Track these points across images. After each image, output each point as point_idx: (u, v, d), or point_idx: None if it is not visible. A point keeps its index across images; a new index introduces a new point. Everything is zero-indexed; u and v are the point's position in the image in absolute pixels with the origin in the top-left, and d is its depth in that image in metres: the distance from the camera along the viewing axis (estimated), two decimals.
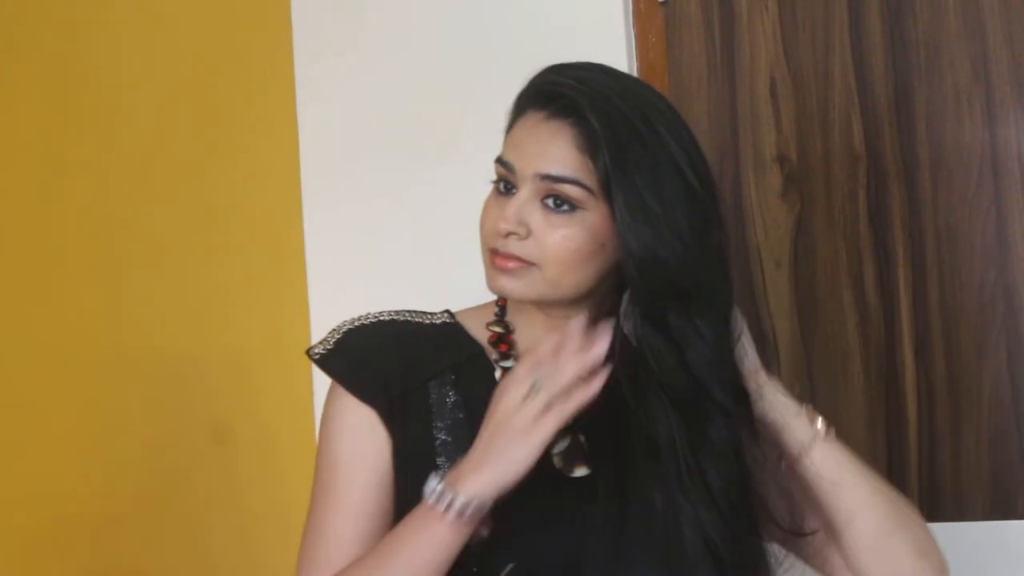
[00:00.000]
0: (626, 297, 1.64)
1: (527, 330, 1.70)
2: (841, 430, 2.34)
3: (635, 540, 1.62)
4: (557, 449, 1.64)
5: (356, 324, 1.70)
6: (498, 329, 1.71)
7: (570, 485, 1.65)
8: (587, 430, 1.66)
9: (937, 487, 2.32)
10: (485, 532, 1.57)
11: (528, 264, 1.60)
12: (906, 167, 2.40)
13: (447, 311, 1.74)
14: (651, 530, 1.61)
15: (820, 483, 1.66)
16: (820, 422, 1.68)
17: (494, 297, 1.73)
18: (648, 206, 1.56)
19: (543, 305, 1.67)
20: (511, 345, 1.70)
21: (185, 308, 2.53)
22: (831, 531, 1.68)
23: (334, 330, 1.70)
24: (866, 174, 2.43)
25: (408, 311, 1.72)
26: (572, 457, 1.65)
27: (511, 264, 1.61)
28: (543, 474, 1.60)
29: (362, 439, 1.65)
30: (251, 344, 2.64)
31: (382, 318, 1.70)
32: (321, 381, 1.73)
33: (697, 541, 1.59)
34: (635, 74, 2.44)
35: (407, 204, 2.60)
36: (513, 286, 1.61)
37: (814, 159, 2.46)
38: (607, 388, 1.57)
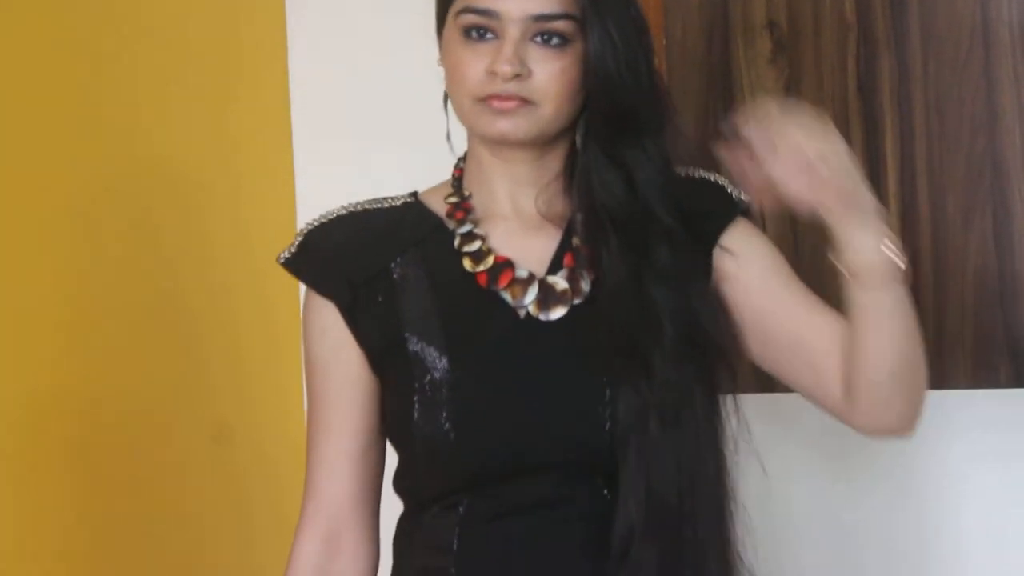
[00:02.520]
0: (581, 123, 1.70)
1: (486, 194, 1.74)
2: (825, 298, 2.37)
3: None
4: (528, 299, 1.68)
5: (316, 223, 1.76)
6: (454, 200, 1.74)
7: (545, 329, 1.68)
8: (555, 271, 1.70)
9: None
10: None
11: (529, 103, 1.64)
12: (896, 36, 2.38)
13: (413, 192, 1.78)
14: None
15: (858, 314, 1.63)
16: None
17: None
18: (614, 37, 1.63)
19: (518, 156, 1.71)
20: (468, 211, 1.73)
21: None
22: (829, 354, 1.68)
23: (297, 233, 1.75)
24: (856, 42, 2.40)
25: (368, 200, 1.77)
26: (547, 301, 1.68)
27: (512, 104, 1.64)
28: (512, 327, 1.67)
29: (328, 344, 1.73)
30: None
31: (340, 212, 1.76)
32: None
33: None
34: None
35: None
36: (516, 126, 1.65)
37: (804, 27, 2.43)
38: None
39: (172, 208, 2.56)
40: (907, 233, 2.35)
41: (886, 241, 1.60)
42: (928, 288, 2.33)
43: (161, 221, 2.55)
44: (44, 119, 2.33)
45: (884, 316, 1.61)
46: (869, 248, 1.59)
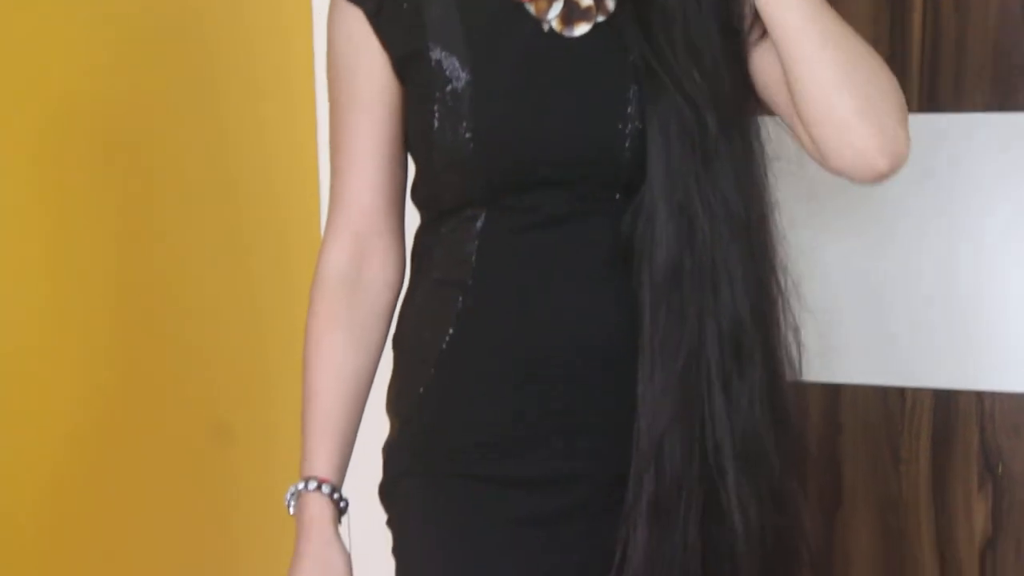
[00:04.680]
0: None
1: None
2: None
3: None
4: (552, 14, 1.67)
5: None
6: None
7: (568, 44, 1.68)
8: None
9: (938, 77, 2.31)
10: None
11: None
12: None
13: None
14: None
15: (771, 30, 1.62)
16: None
17: None
18: None
19: None
20: None
21: None
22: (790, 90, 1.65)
23: None
24: None
25: None
26: (571, 17, 1.67)
27: None
28: (535, 41, 1.67)
29: (353, 48, 1.73)
30: None
31: None
32: None
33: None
34: None
35: None
36: None
37: None
38: None
39: None
40: None
41: None
42: (950, 12, 2.30)
43: None
44: None
45: (797, 23, 1.58)
46: None
